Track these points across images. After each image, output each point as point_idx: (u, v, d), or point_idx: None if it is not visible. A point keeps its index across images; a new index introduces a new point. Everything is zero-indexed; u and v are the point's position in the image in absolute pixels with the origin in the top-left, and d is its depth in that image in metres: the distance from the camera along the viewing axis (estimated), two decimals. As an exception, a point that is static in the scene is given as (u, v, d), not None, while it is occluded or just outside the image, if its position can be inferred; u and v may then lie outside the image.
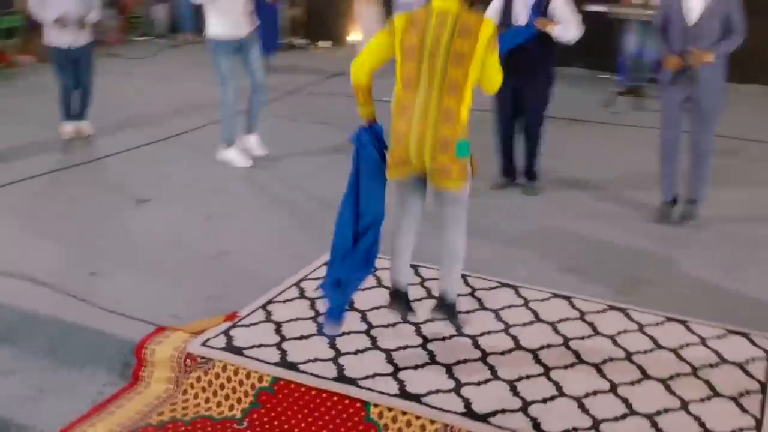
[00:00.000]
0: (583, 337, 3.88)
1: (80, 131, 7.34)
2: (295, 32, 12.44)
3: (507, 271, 4.59)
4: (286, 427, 3.46)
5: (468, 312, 4.09)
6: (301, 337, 3.84)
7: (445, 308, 3.86)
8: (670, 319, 4.06)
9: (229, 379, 3.63)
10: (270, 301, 4.20)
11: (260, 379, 3.56)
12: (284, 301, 4.20)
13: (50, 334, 4.05)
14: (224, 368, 3.64)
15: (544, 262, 4.77)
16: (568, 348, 3.78)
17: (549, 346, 3.80)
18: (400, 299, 3.94)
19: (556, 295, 4.29)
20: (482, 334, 3.89)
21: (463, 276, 4.45)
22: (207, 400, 3.64)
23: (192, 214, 5.49)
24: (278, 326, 3.95)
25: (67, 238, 5.08)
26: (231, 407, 3.59)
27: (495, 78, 3.60)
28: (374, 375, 3.52)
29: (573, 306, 4.18)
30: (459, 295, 3.95)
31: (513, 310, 4.14)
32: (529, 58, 5.53)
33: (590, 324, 4.01)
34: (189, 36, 12.38)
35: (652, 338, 3.88)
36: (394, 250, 3.87)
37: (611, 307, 4.18)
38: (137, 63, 11.12)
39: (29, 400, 3.70)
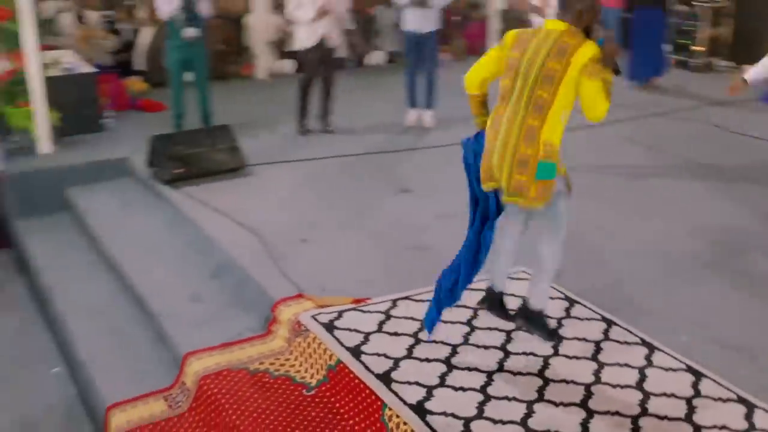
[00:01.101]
0: (665, 418, 3.40)
1: (422, 120, 8.11)
2: (717, 53, 11.60)
3: (669, 327, 4.14)
4: (337, 405, 3.78)
5: (577, 358, 3.86)
6: (394, 334, 4.07)
7: (527, 316, 3.90)
8: (801, 434, 3.32)
9: (315, 351, 4.05)
10: (406, 297, 4.45)
11: (330, 357, 3.91)
12: (418, 300, 4.42)
13: (236, 278, 4.89)
14: (314, 339, 4.07)
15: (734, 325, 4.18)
16: (634, 423, 3.37)
17: (617, 413, 3.43)
18: (491, 300, 4.05)
19: (688, 369, 3.76)
20: (560, 381, 3.66)
21: (609, 322, 4.17)
22: (300, 363, 4.12)
23: (432, 209, 5.85)
24: (387, 318, 4.21)
25: (316, 207, 5.91)
26: (312, 375, 4.01)
27: (595, 106, 3.45)
28: (415, 383, 3.62)
29: (695, 385, 3.64)
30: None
31: (621, 369, 3.77)
32: None
33: (692, 408, 3.48)
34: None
35: (749, 445, 3.25)
36: (494, 250, 3.92)
37: (740, 400, 3.54)
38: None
39: (196, 326, 4.58)
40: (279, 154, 7.09)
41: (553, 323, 4.07)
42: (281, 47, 11.35)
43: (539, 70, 3.46)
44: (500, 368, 3.77)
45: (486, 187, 3.70)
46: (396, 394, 3.53)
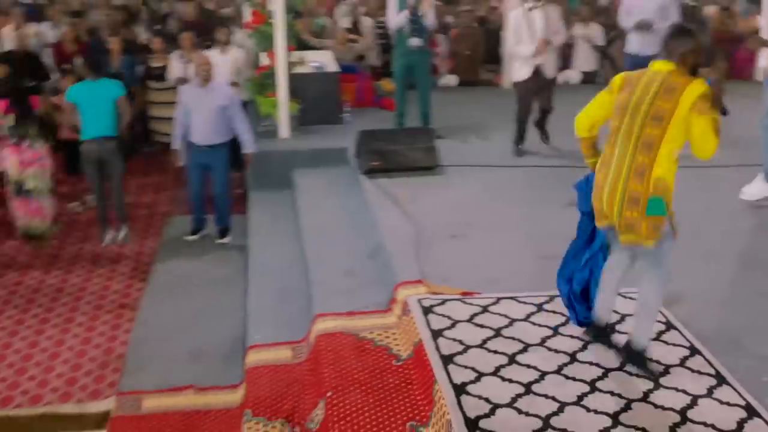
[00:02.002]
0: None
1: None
2: None
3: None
4: (413, 377, 4.32)
5: (637, 376, 4.01)
6: (480, 325, 4.49)
7: (630, 353, 4.01)
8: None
9: (410, 328, 4.61)
10: (512, 297, 4.82)
11: (416, 336, 4.45)
12: (521, 302, 4.77)
13: (385, 260, 5.56)
14: (411, 319, 4.63)
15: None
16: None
17: (642, 430, 3.58)
18: (595, 331, 4.19)
19: (745, 406, 3.76)
20: (606, 392, 3.86)
21: (695, 350, 4.23)
22: (401, 338, 4.69)
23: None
24: (482, 312, 4.64)
25: (482, 209, 6.38)
26: (405, 350, 4.58)
27: (705, 144, 3.60)
28: (471, 368, 4.05)
29: (741, 422, 3.64)
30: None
31: (675, 393, 3.85)
32: None
33: (734, 437, 3.54)
34: None
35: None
36: (600, 283, 4.17)
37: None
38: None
39: (337, 295, 5.31)
40: (475, 159, 7.61)
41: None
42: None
43: (648, 109, 3.62)
44: (558, 371, 4.05)
45: (600, 224, 3.95)
46: (448, 373, 4.00)
